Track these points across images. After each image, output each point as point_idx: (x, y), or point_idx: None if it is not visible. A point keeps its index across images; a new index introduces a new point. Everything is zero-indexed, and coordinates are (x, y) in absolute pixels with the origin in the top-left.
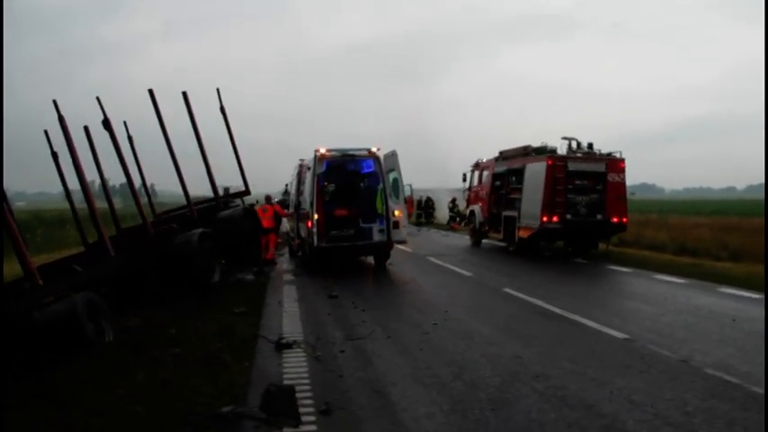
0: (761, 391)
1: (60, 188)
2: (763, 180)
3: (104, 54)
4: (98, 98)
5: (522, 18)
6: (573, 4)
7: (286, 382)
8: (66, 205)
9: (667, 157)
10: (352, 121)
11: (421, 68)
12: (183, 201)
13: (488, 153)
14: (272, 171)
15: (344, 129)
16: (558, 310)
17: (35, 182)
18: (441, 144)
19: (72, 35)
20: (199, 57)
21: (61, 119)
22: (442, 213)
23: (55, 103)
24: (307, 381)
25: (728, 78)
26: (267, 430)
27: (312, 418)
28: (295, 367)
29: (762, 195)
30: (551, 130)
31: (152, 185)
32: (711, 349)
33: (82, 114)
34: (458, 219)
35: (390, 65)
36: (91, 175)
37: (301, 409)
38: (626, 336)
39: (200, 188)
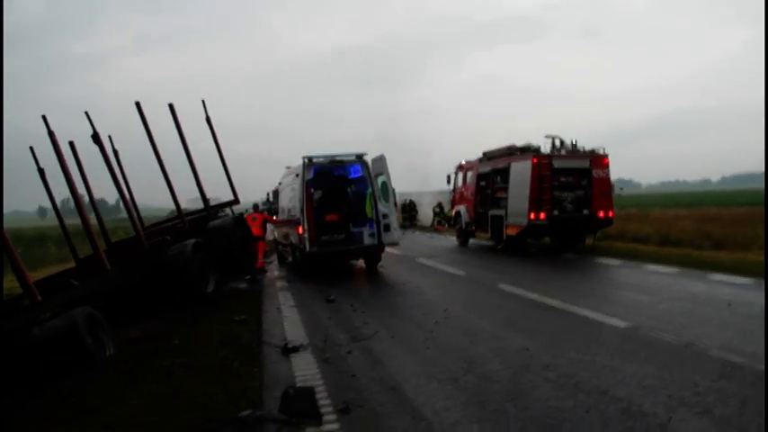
0: None
1: (36, 206)
2: (737, 171)
3: (76, 69)
4: (87, 113)
5: (492, 23)
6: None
7: (300, 385)
8: (43, 223)
9: (642, 152)
10: (330, 129)
11: (396, 74)
12: (159, 214)
13: (467, 154)
14: (250, 180)
15: (322, 136)
16: (555, 303)
17: (9, 201)
18: (418, 147)
19: (42, 51)
20: (171, 70)
21: (51, 134)
22: (424, 216)
23: (44, 118)
24: (320, 382)
25: (700, 77)
26: (289, 431)
27: (333, 417)
28: (305, 370)
29: (738, 186)
30: (527, 129)
31: None
32: (713, 333)
33: (58, 130)
34: (444, 222)
35: (365, 72)
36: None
37: (320, 410)
38: (627, 324)
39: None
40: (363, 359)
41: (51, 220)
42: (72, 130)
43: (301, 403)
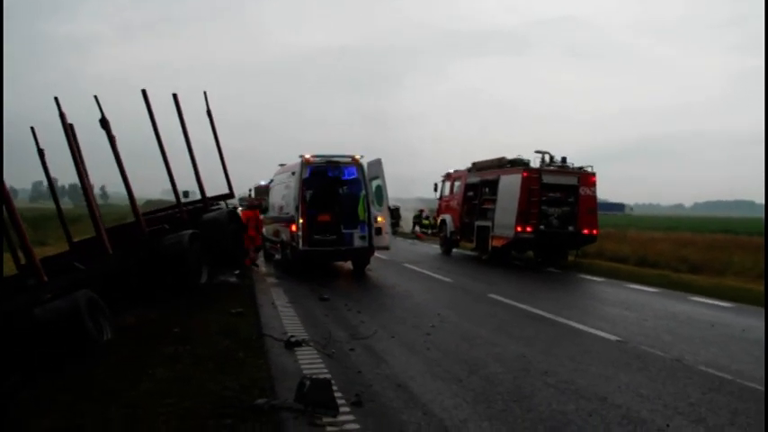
0: (756, 386)
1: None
2: (709, 198)
3: (56, 54)
4: (95, 96)
5: (477, 34)
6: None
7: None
8: (21, 205)
9: (620, 174)
10: (309, 129)
11: (380, 80)
12: (126, 203)
13: (447, 164)
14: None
15: (305, 136)
16: (546, 314)
17: None
18: (401, 154)
19: (17, 34)
20: (149, 61)
21: (62, 116)
22: (404, 222)
23: (56, 99)
24: (328, 376)
25: (679, 104)
26: (306, 420)
27: (347, 410)
28: (311, 363)
29: (709, 212)
30: (505, 145)
31: (102, 187)
32: (699, 350)
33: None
34: (428, 230)
35: (350, 76)
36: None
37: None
38: (618, 338)
39: (150, 191)
40: (366, 356)
41: (21, 201)
42: (53, 113)
43: (317, 393)
